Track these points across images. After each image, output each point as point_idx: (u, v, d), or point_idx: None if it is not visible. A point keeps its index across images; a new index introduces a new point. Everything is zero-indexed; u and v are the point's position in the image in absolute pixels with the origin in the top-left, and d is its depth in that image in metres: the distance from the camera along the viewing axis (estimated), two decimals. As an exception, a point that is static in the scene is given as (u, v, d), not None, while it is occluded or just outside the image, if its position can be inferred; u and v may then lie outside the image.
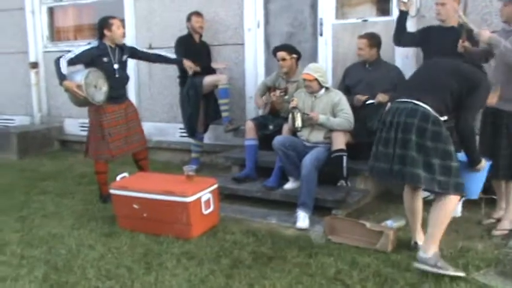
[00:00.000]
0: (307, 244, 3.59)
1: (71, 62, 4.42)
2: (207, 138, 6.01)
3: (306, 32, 5.52)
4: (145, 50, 5.02)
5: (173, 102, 6.23)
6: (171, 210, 3.80)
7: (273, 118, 4.98)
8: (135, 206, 3.93)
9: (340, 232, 3.66)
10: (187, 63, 5.07)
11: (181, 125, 5.87)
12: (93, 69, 4.46)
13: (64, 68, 4.34)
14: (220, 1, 5.91)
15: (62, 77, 4.30)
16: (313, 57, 5.44)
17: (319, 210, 4.12)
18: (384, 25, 5.03)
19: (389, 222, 3.84)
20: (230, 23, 5.89)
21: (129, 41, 6.56)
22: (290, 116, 4.32)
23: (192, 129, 5.72)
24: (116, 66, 4.65)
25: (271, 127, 4.88)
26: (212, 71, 5.61)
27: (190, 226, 3.78)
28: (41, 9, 7.47)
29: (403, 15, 4.37)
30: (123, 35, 4.74)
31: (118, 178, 4.21)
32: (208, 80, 5.47)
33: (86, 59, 4.52)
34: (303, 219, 3.95)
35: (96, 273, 3.26)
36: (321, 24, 5.35)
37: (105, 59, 4.58)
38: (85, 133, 7.12)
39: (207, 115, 5.76)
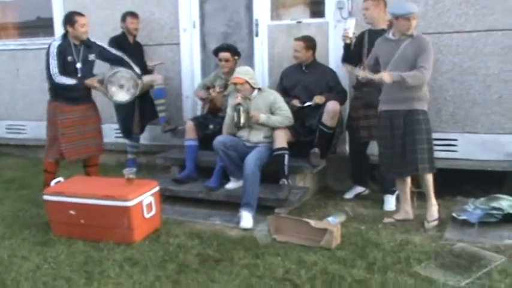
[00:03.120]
0: (253, 244, 3.60)
1: (62, 73, 4.37)
2: (143, 138, 5.87)
3: (242, 33, 5.54)
4: (114, 51, 4.83)
5: (107, 102, 6.03)
6: (111, 215, 3.68)
7: (213, 117, 4.96)
8: (72, 212, 3.77)
9: (284, 231, 3.71)
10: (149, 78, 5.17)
11: (116, 126, 5.70)
12: (125, 70, 4.50)
13: (67, 79, 4.37)
14: (155, 1, 5.79)
15: (78, 84, 4.39)
16: (250, 58, 5.47)
17: (261, 209, 4.14)
18: (317, 27, 5.14)
19: (330, 219, 3.92)
20: (165, 23, 5.78)
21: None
22: (234, 113, 4.32)
23: (127, 130, 5.58)
24: (78, 65, 4.49)
25: (211, 127, 4.87)
26: (147, 72, 5.49)
27: (132, 231, 3.68)
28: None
29: (348, 46, 4.46)
30: (86, 33, 4.54)
31: (52, 183, 4.02)
32: (143, 80, 5.33)
33: (60, 61, 4.39)
34: (246, 219, 3.96)
35: (32, 286, 3.08)
36: (257, 24, 5.39)
37: (69, 58, 4.43)
38: (12, 135, 6.93)
39: (142, 115, 5.62)
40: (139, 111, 5.57)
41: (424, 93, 3.86)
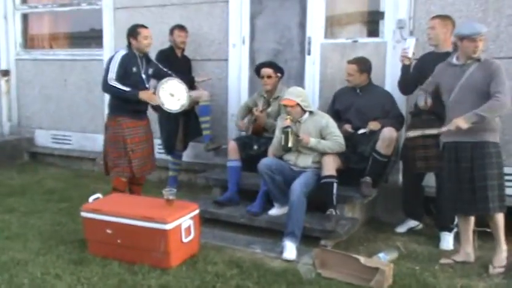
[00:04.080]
0: (296, 279, 3.33)
1: (118, 80, 4.29)
2: (186, 156, 5.73)
3: (294, 50, 5.32)
4: (166, 69, 4.75)
5: (151, 118, 5.94)
6: (148, 237, 3.50)
7: (257, 138, 4.75)
8: (109, 231, 3.62)
9: (331, 266, 3.42)
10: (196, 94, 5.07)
11: (159, 141, 5.59)
12: (177, 79, 4.46)
13: (120, 85, 4.27)
14: (204, 15, 5.68)
15: (131, 94, 4.28)
16: (300, 77, 5.25)
17: (306, 239, 3.87)
18: (374, 47, 4.87)
19: (381, 255, 3.62)
20: (214, 38, 5.66)
21: (108, 53, 6.29)
22: (282, 136, 4.09)
23: (170, 147, 5.45)
24: (143, 76, 4.45)
25: (255, 147, 4.65)
26: (194, 87, 5.35)
27: (169, 255, 3.48)
28: (14, 15, 7.12)
29: (406, 68, 4.20)
30: (149, 46, 4.49)
31: (90, 200, 3.89)
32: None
33: (121, 71, 4.31)
34: (290, 250, 3.69)
35: (62, 308, 2.93)
36: (309, 42, 5.16)
37: (134, 69, 4.38)
38: (57, 145, 6.96)
39: (186, 132, 5.50)
40: (183, 127, 5.45)
41: (496, 122, 3.50)
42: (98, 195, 3.96)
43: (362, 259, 3.32)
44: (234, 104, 5.57)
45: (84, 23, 6.84)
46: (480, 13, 4.33)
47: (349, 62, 4.49)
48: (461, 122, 3.37)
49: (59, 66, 6.83)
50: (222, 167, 5.27)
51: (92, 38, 6.73)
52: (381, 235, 4.26)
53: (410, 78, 4.24)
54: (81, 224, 3.93)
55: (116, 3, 6.31)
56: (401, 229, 4.37)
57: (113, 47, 6.31)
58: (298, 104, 4.07)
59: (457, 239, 3.95)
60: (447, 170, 3.62)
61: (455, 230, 4.03)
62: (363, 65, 4.43)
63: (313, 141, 4.05)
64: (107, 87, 4.31)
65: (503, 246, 3.56)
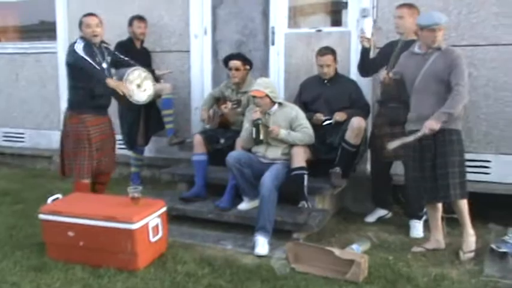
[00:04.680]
0: (270, 274, 3.23)
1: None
2: (148, 151, 5.54)
3: (257, 41, 5.21)
4: (123, 57, 4.43)
5: (111, 112, 5.71)
6: (113, 238, 3.31)
7: (224, 131, 4.61)
8: (70, 234, 3.41)
9: (305, 260, 3.34)
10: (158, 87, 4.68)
11: (119, 136, 5.36)
12: (142, 69, 4.17)
13: (91, 60, 3.93)
14: (164, 5, 5.47)
15: (100, 75, 3.98)
16: (265, 68, 5.14)
17: (277, 233, 3.77)
18: (338, 36, 4.81)
19: (355, 247, 3.56)
20: (175, 29, 5.46)
21: (62, 46, 6.00)
22: (253, 128, 3.97)
23: (131, 142, 5.26)
24: (104, 65, 4.12)
25: (222, 141, 4.52)
26: (155, 80, 5.14)
27: (136, 256, 3.31)
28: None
29: (365, 50, 4.17)
30: (93, 35, 4.08)
31: (49, 201, 3.66)
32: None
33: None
34: (262, 245, 3.59)
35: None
36: (273, 32, 5.05)
37: (97, 59, 4.07)
38: (9, 144, 6.59)
39: (148, 126, 5.30)
40: (145, 121, 5.25)
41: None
42: (57, 195, 3.73)
43: (336, 251, 3.25)
44: (197, 97, 5.42)
45: (35, 15, 6.48)
46: (441, 2, 4.32)
47: (323, 53, 4.34)
48: (433, 124, 3.37)
49: (8, 60, 6.46)
50: (187, 162, 5.10)
51: (43, 30, 6.40)
52: (351, 226, 4.22)
53: (371, 62, 4.21)
54: (39, 227, 3.71)
55: (69, -7, 6.02)
56: (371, 219, 4.35)
57: (67, 39, 6.01)
58: (267, 95, 3.96)
59: (427, 226, 3.96)
60: (411, 159, 3.62)
61: (424, 217, 4.04)
62: (335, 53, 4.36)
63: (283, 132, 3.96)
64: (75, 56, 3.93)
65: (470, 231, 3.58)
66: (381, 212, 4.39)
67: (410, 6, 4.01)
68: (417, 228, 4.03)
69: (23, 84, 6.41)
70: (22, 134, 6.51)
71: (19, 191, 5.25)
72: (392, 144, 3.60)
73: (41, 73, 6.29)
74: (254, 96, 4.00)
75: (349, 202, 4.68)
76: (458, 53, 3.46)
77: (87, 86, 4.03)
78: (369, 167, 4.57)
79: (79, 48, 4.00)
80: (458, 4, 4.27)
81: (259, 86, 4.00)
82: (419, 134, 3.46)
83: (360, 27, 4.49)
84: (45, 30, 6.31)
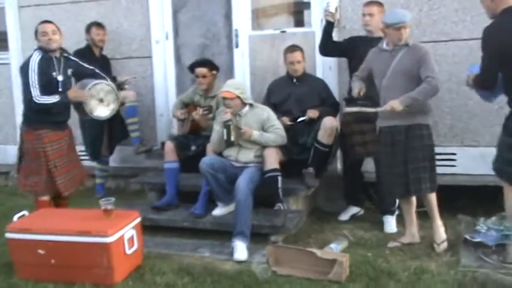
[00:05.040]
0: (252, 280, 3.18)
1: (43, 92, 3.76)
2: (112, 160, 5.38)
3: (221, 44, 5.16)
4: (86, 65, 4.22)
5: (72, 121, 5.52)
6: (87, 253, 3.19)
7: (194, 138, 4.53)
8: (41, 252, 3.26)
9: (286, 262, 3.31)
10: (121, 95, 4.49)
11: (82, 147, 5.18)
12: (105, 82, 3.99)
13: (48, 98, 3.77)
14: (123, 11, 5.34)
15: (63, 101, 3.83)
16: (230, 71, 5.10)
17: (254, 237, 3.71)
18: (302, 36, 4.82)
19: (333, 246, 3.57)
20: (135, 35, 5.34)
21: (15, 56, 5.76)
22: (224, 130, 3.91)
23: (95, 153, 5.12)
24: (60, 77, 3.90)
25: (193, 147, 4.43)
26: (117, 87, 5.00)
27: (113, 270, 3.20)
28: None
29: (329, 26, 4.22)
30: (50, 42, 3.87)
31: (15, 218, 3.48)
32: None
33: (44, 79, 3.78)
34: (241, 251, 3.54)
35: None
36: (236, 35, 5.02)
37: (53, 73, 3.87)
38: None
39: (112, 136, 5.16)
40: (108, 131, 5.11)
41: (427, 105, 3.59)
42: (24, 212, 3.56)
43: (318, 252, 3.25)
44: (162, 104, 5.32)
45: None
46: (403, -1, 4.42)
47: (293, 49, 4.34)
48: (396, 104, 3.41)
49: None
50: (154, 170, 4.99)
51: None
52: (326, 225, 4.23)
53: (335, 44, 4.27)
54: (4, 246, 3.53)
55: (20, 1, 5.78)
56: (344, 217, 4.37)
57: (19, 50, 5.81)
58: (238, 97, 3.92)
59: (399, 221, 4.02)
60: (383, 155, 3.66)
61: (397, 212, 4.10)
62: (303, 52, 4.37)
63: (256, 134, 3.92)
64: (37, 106, 3.76)
65: (439, 222, 3.66)
66: (354, 210, 4.42)
67: (379, 4, 4.07)
68: (391, 224, 4.08)
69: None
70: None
71: (-20, 209, 4.99)
72: (350, 109, 3.72)
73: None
74: (224, 98, 3.94)
75: (321, 201, 4.69)
76: (426, 49, 3.52)
77: None
78: (339, 165, 4.61)
79: (34, 61, 3.82)
80: (419, 1, 4.36)
81: (229, 87, 3.95)
82: (380, 108, 3.52)
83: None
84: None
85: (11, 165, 6.07)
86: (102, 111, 4.02)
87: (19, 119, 5.95)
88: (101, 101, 3.99)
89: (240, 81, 4.18)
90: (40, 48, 3.92)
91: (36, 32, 3.97)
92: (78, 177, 4.20)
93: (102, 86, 4.02)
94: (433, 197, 3.62)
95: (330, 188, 4.61)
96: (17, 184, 4.09)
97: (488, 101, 3.53)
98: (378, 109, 3.56)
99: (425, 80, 3.42)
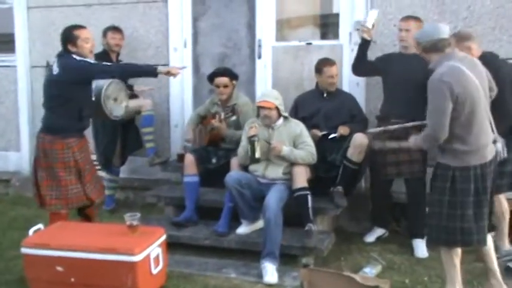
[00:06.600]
0: (288, 304, 2.99)
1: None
2: (122, 171, 5.14)
3: (242, 54, 4.97)
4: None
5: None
6: (111, 272, 2.98)
7: (215, 150, 4.32)
8: (59, 269, 3.03)
9: (321, 287, 3.11)
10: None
11: (93, 157, 4.94)
12: (116, 80, 3.74)
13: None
14: (139, 16, 5.14)
15: (149, 68, 3.86)
16: (251, 82, 4.91)
17: (282, 258, 3.53)
18: (330, 49, 4.66)
19: (367, 270, 3.38)
20: (151, 41, 5.14)
21: (22, 59, 5.53)
22: (249, 146, 3.72)
23: (107, 162, 4.88)
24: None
25: (213, 161, 4.23)
26: (134, 96, 4.80)
27: (137, 291, 2.98)
28: None
29: (365, 43, 4.01)
30: (93, 49, 3.70)
31: (31, 232, 3.24)
32: (129, 105, 4.64)
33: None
34: (271, 273, 3.34)
35: None
36: (260, 45, 4.85)
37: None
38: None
39: (125, 145, 4.94)
40: (122, 140, 4.89)
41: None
42: (40, 225, 3.32)
43: (358, 277, 3.04)
44: (177, 114, 5.11)
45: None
46: (436, 15, 4.28)
47: (332, 63, 4.17)
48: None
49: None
50: (166, 183, 4.80)
51: (1, 42, 5.89)
52: (352, 246, 4.04)
53: (367, 63, 4.06)
54: (13, 261, 3.29)
55: (29, 2, 5.56)
56: (370, 238, 4.19)
57: (27, 52, 5.59)
58: (276, 108, 3.73)
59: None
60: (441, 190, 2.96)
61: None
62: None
63: (286, 150, 3.73)
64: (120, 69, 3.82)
65: None
66: (379, 231, 4.24)
67: (416, 19, 3.93)
68: (422, 248, 3.88)
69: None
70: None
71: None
72: (374, 130, 3.59)
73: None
74: (262, 107, 3.74)
75: (344, 221, 4.50)
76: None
77: (76, 106, 3.56)
78: (363, 183, 4.43)
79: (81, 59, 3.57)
80: (453, 18, 4.22)
81: (268, 97, 3.76)
82: (404, 144, 3.38)
83: (354, 42, 4.37)
84: (3, 42, 5.80)
85: (13, 172, 5.83)
86: (118, 110, 3.83)
87: (23, 124, 5.78)
88: (115, 100, 3.79)
89: (277, 91, 3.96)
90: (75, 53, 3.61)
91: (70, 37, 3.62)
92: (100, 184, 3.94)
93: (114, 85, 3.81)
94: None
95: (354, 208, 4.43)
96: (35, 198, 3.68)
97: None
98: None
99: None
